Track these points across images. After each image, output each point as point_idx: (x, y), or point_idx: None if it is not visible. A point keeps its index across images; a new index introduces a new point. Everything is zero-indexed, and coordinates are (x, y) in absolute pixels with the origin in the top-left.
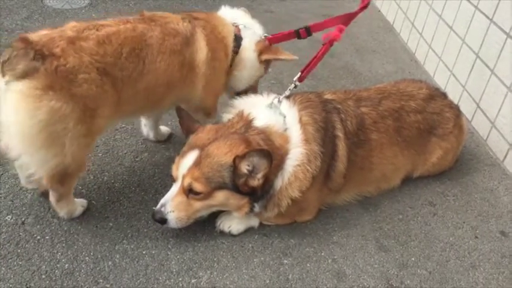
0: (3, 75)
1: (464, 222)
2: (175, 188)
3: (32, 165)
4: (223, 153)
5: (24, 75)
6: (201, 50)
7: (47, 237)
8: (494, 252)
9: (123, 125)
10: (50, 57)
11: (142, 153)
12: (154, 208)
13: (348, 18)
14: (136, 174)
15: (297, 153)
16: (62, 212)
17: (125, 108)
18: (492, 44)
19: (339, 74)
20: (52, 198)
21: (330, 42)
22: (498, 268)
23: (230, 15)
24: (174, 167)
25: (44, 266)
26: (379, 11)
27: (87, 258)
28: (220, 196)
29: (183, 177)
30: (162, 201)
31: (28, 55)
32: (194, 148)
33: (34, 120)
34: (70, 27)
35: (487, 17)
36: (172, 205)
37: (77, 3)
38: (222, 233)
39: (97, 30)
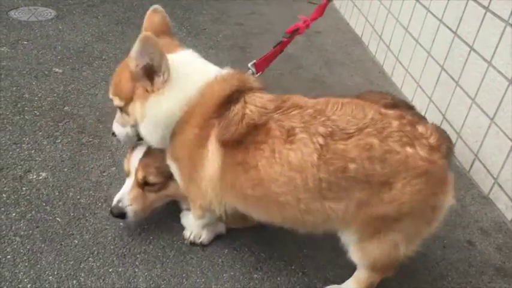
0: None
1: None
2: (129, 183)
3: None
4: None
5: None
6: None
7: (9, 257)
8: (462, 261)
9: (89, 139)
10: None
11: (110, 167)
12: (111, 205)
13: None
14: (103, 189)
15: None
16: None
17: None
18: (456, 57)
19: (308, 86)
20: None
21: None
22: (466, 277)
23: None
24: (125, 161)
25: (6, 287)
26: (348, 24)
27: (50, 277)
28: (175, 185)
29: (136, 170)
30: (117, 197)
31: None
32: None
33: None
34: None
35: (451, 30)
36: (129, 199)
37: (43, 15)
38: (192, 246)
39: None
